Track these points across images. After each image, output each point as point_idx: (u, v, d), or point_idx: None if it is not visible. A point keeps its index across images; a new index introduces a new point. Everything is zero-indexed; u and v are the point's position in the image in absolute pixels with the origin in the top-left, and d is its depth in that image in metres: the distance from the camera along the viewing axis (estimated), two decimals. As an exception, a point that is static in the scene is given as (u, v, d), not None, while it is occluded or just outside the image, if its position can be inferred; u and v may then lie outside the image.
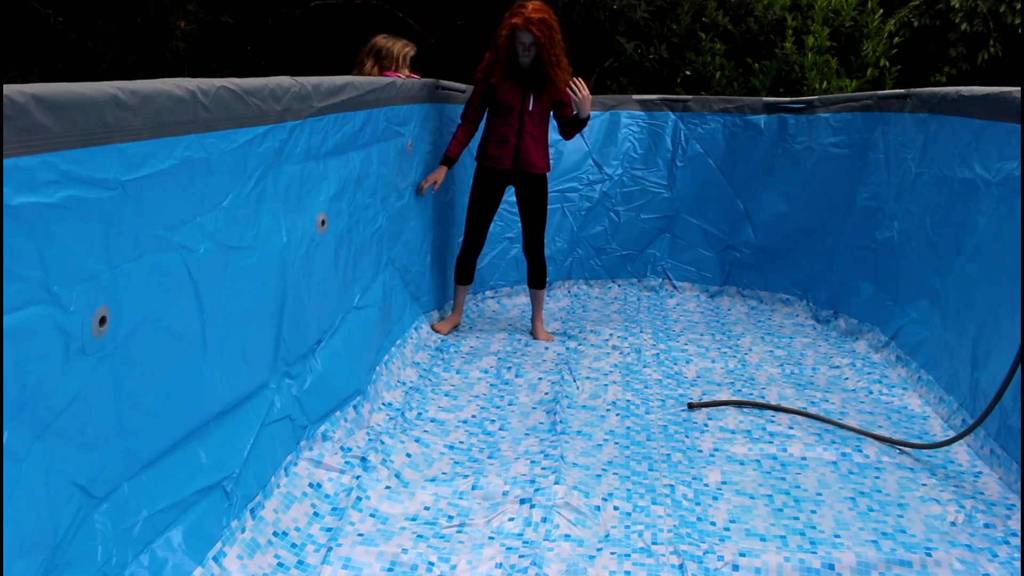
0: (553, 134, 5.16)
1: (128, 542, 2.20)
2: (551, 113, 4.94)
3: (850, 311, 5.41)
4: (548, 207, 5.15)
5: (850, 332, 5.29)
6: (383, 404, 3.94)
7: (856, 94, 5.63)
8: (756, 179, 6.14)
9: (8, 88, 1.65)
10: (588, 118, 4.78)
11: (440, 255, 5.35)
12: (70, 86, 1.86)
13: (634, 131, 6.34)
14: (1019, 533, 3.00)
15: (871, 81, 7.57)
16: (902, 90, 5.08)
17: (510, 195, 5.49)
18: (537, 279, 5.18)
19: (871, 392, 4.39)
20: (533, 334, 5.21)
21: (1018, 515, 3.11)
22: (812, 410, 4.08)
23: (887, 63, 7.63)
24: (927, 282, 4.46)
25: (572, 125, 4.88)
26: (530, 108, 4.79)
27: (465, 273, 5.19)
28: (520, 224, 5.19)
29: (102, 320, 2.03)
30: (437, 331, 5.10)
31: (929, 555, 2.84)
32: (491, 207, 5.05)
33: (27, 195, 1.73)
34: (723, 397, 4.25)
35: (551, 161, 5.17)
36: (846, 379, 4.60)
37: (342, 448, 3.39)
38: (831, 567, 2.77)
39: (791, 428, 3.88)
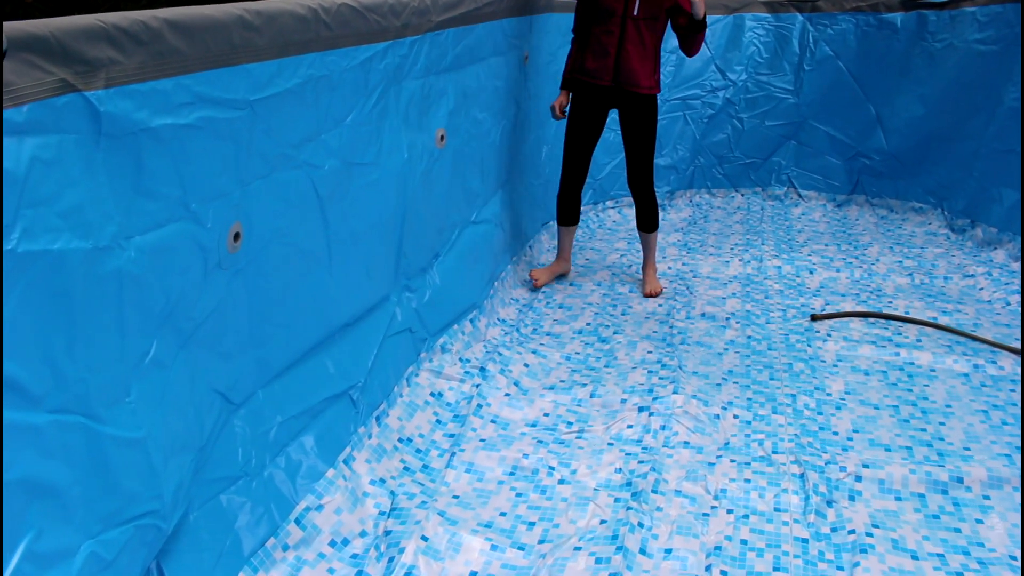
0: (672, 41, 4.96)
1: (265, 445, 2.35)
2: (663, 24, 4.11)
3: (989, 219, 5.14)
4: (667, 120, 4.55)
5: (988, 241, 5.04)
6: (498, 319, 4.01)
7: None
8: (890, 82, 5.83)
9: (142, 13, 1.72)
10: (705, 19, 3.97)
11: (559, 170, 5.29)
12: (199, 9, 1.92)
13: (759, 34, 6.10)
14: None
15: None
16: None
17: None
18: (647, 220, 4.40)
19: (1008, 303, 4.20)
20: (642, 285, 4.49)
21: None
22: (943, 321, 3.95)
23: None
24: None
25: (691, 31, 4.04)
26: (634, 12, 4.00)
27: (568, 211, 4.47)
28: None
29: (236, 236, 2.13)
30: (533, 279, 4.44)
31: (1065, 471, 2.75)
32: (591, 133, 4.30)
33: (164, 117, 1.81)
34: (847, 308, 4.15)
35: (663, 75, 4.40)
36: (981, 290, 4.41)
37: (461, 359, 3.49)
38: (959, 480, 2.72)
39: (919, 339, 3.77)
